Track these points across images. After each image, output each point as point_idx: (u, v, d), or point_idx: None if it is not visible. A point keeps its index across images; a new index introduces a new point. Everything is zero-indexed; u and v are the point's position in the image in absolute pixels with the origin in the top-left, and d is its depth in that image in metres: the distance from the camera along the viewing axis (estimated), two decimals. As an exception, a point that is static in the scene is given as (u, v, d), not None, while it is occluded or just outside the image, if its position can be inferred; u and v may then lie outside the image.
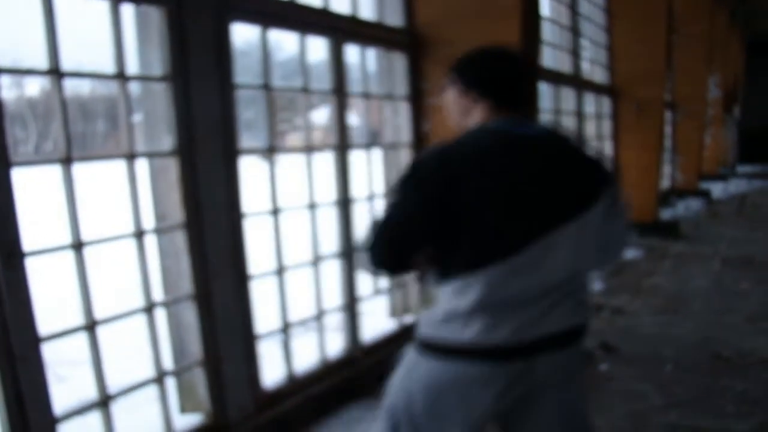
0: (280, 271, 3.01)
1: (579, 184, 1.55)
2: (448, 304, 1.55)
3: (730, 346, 3.93)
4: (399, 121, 3.93)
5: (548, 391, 1.60)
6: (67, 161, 2.12)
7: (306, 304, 3.29)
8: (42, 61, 2.07)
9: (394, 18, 3.85)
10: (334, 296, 3.42)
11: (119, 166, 2.37)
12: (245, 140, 2.85)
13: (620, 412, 3.08)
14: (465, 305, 1.51)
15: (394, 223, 1.53)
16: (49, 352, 2.10)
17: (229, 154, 2.66)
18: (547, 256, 1.49)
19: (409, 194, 1.52)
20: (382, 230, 1.53)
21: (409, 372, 1.66)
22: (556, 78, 6.16)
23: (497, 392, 1.55)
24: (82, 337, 2.21)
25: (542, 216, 1.50)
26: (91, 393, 2.26)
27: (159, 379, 2.48)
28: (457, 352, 1.54)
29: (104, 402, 2.26)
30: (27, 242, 1.97)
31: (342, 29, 3.31)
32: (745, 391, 3.26)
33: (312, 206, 3.21)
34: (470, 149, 1.52)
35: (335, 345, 3.44)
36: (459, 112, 1.67)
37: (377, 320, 4.03)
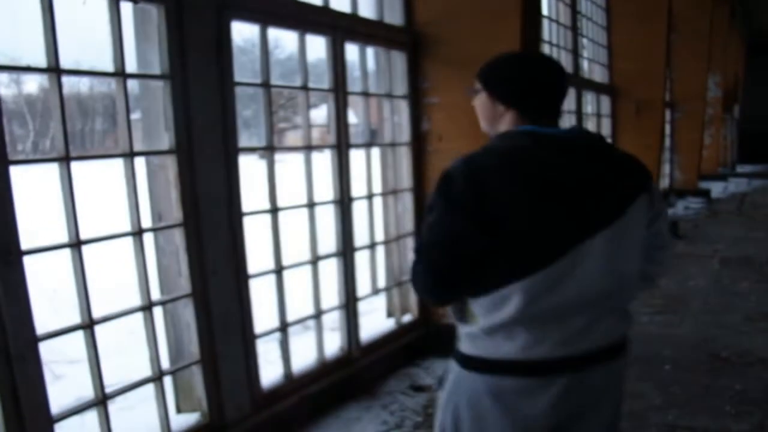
0: (279, 270, 3.00)
1: (615, 186, 1.48)
2: (487, 318, 1.48)
3: (729, 346, 3.93)
4: (398, 119, 3.93)
5: (597, 406, 1.56)
6: (65, 160, 2.11)
7: (304, 304, 3.29)
8: (41, 59, 2.07)
9: (394, 16, 3.84)
10: (332, 295, 3.42)
11: (117, 164, 2.36)
12: (244, 139, 2.85)
13: (619, 412, 3.08)
14: (504, 318, 1.45)
15: (436, 246, 1.42)
16: (46, 350, 2.10)
17: (228, 152, 2.65)
18: (585, 263, 1.43)
19: (447, 213, 1.41)
20: (423, 255, 1.44)
21: (455, 388, 1.59)
22: (556, 77, 6.15)
23: (544, 408, 1.50)
24: (80, 336, 2.21)
25: (578, 221, 1.43)
26: (89, 392, 2.26)
27: (156, 378, 2.47)
28: (500, 367, 1.49)
29: (102, 401, 2.25)
30: (25, 240, 1.97)
31: (342, 27, 3.31)
32: (743, 391, 3.26)
33: (311, 205, 3.20)
34: (497, 157, 1.44)
35: (333, 344, 3.44)
36: (488, 119, 1.60)
37: (375, 320, 4.03)
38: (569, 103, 6.62)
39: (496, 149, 1.47)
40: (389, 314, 4.05)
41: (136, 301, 2.43)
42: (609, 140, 7.85)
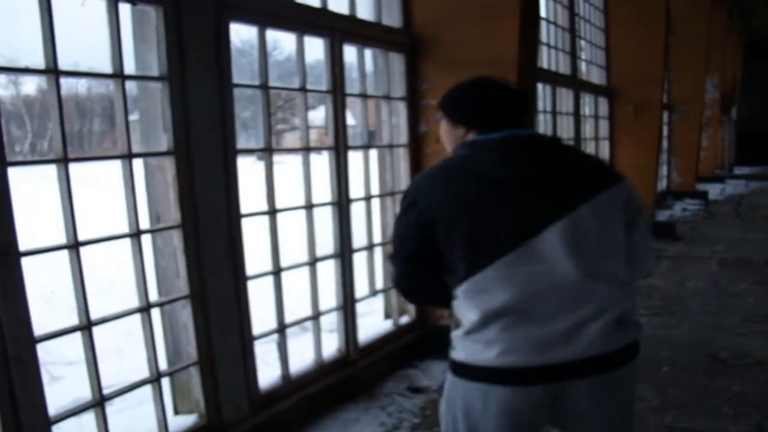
0: (277, 271, 3.00)
1: (566, 182, 1.52)
2: (465, 320, 1.53)
3: (727, 347, 3.93)
4: (396, 121, 3.93)
5: (592, 414, 1.54)
6: (63, 161, 2.11)
7: (302, 305, 3.29)
8: (39, 60, 2.06)
9: (392, 18, 3.84)
10: (330, 297, 3.42)
11: (116, 165, 2.36)
12: (242, 140, 2.85)
13: (616, 414, 3.08)
14: (474, 319, 1.48)
15: (394, 249, 1.63)
16: (44, 352, 2.10)
17: (226, 154, 2.65)
18: (540, 258, 1.45)
19: (397, 221, 1.62)
20: (393, 256, 1.64)
21: (450, 396, 1.61)
22: (554, 79, 6.17)
23: (530, 416, 1.51)
24: (78, 337, 2.21)
25: (522, 216, 1.47)
26: (86, 393, 2.26)
27: (154, 379, 2.47)
28: (483, 374, 1.50)
29: (99, 402, 2.24)
30: (23, 242, 1.97)
31: (340, 29, 3.31)
32: (741, 393, 3.27)
33: (309, 206, 3.20)
34: (437, 168, 1.59)
35: (331, 346, 3.44)
36: (451, 142, 1.70)
37: (373, 321, 4.03)
38: (567, 104, 6.63)
39: (441, 162, 1.61)
40: (387, 316, 4.05)
41: (134, 302, 2.43)
42: (606, 141, 7.89)
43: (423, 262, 1.58)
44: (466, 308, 1.51)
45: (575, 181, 1.53)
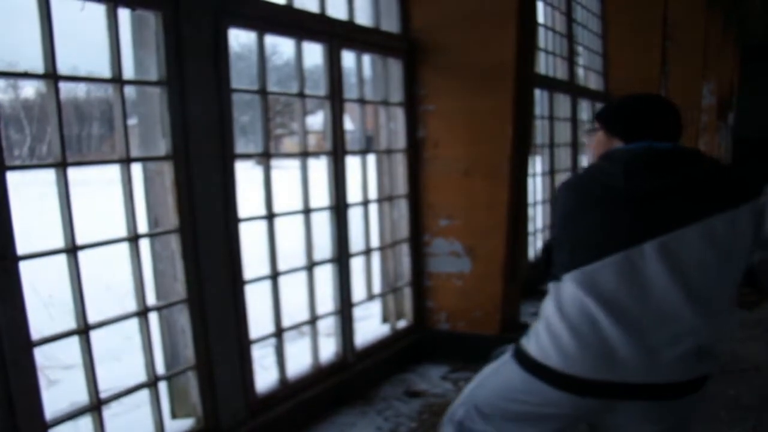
0: (274, 275, 3.01)
1: (686, 198, 1.44)
2: (546, 313, 1.58)
3: (723, 351, 3.93)
4: (394, 126, 3.95)
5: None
6: (62, 165, 2.11)
7: (299, 309, 3.29)
8: (38, 64, 2.07)
9: (391, 24, 3.86)
10: (327, 301, 3.42)
11: (114, 169, 2.37)
12: (241, 145, 2.86)
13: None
14: (548, 314, 1.55)
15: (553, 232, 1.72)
16: (41, 355, 2.10)
17: (225, 158, 2.66)
18: (641, 269, 1.41)
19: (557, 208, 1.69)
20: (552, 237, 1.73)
21: (506, 378, 1.67)
22: (551, 84, 6.19)
23: (574, 417, 1.57)
24: (75, 341, 2.21)
25: (631, 225, 1.45)
26: (83, 397, 2.26)
27: (151, 383, 2.47)
28: (547, 373, 1.53)
29: (96, 406, 2.25)
30: (21, 246, 1.97)
31: (338, 35, 3.32)
32: (737, 397, 3.28)
33: (307, 211, 3.21)
34: (576, 176, 1.69)
35: (328, 350, 3.44)
36: (598, 148, 1.72)
37: (370, 325, 4.04)
38: (565, 110, 6.65)
39: (583, 169, 1.71)
40: (384, 320, 4.05)
41: (132, 306, 2.43)
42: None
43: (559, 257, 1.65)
44: (550, 304, 1.56)
45: (694, 198, 1.44)
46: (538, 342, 1.55)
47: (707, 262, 1.42)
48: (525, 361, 1.58)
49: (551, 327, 1.51)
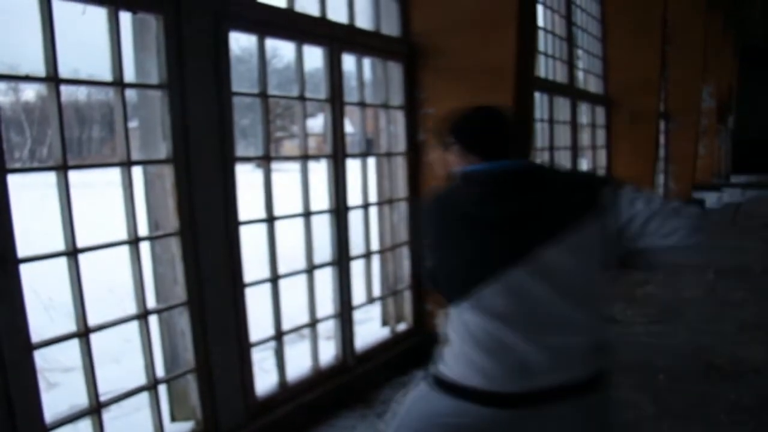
0: (275, 278, 3.01)
1: (547, 213, 1.54)
2: (454, 339, 1.61)
3: (724, 355, 3.94)
4: (394, 129, 3.95)
5: None
6: (62, 168, 2.12)
7: (299, 312, 3.29)
8: (40, 67, 2.08)
9: (391, 27, 3.87)
10: (327, 304, 3.42)
11: (115, 172, 2.37)
12: (241, 148, 2.86)
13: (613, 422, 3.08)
14: (465, 342, 1.57)
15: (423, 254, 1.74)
16: (41, 358, 2.10)
17: (225, 161, 2.67)
18: (520, 288, 1.51)
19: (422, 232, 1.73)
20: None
21: (421, 403, 1.69)
22: (551, 87, 6.20)
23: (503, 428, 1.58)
24: (75, 344, 2.21)
25: (500, 249, 1.53)
26: (83, 400, 2.26)
27: (151, 386, 2.47)
28: (467, 393, 1.57)
29: (96, 409, 2.25)
30: (21, 248, 1.97)
31: (339, 38, 3.33)
32: (737, 400, 3.28)
33: (307, 214, 3.21)
34: (434, 199, 1.67)
35: (328, 353, 3.44)
36: (448, 164, 1.73)
37: (370, 328, 4.04)
38: (564, 113, 6.66)
39: (440, 191, 1.69)
40: (384, 323, 4.05)
41: (132, 309, 2.44)
42: (603, 150, 7.91)
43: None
44: (455, 329, 1.60)
45: (552, 214, 1.54)
46: (456, 366, 1.59)
47: (575, 268, 1.54)
48: (447, 386, 1.60)
49: (464, 351, 1.57)
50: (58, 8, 2.06)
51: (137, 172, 2.43)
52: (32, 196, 7.11)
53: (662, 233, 1.50)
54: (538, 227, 1.52)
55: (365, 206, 3.70)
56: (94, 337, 2.24)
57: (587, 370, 1.56)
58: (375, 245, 3.85)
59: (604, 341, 1.61)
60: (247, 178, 3.10)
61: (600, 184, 1.58)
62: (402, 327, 4.04)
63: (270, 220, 2.97)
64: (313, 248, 3.25)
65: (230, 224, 2.70)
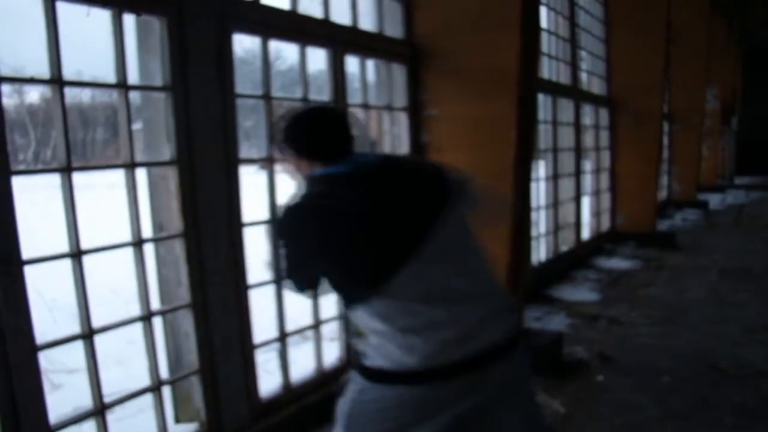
0: (278, 280, 3.00)
1: (419, 200, 1.64)
2: (376, 327, 1.62)
3: (727, 357, 3.93)
4: (398, 131, 3.95)
5: (497, 407, 1.66)
6: (67, 170, 2.12)
7: (303, 314, 3.29)
8: (44, 69, 2.08)
9: (394, 29, 3.87)
10: (331, 306, 3.42)
11: (118, 174, 2.38)
12: (244, 149, 2.86)
13: (616, 424, 3.08)
14: (390, 327, 1.59)
15: (290, 265, 1.68)
16: (45, 360, 2.10)
17: (229, 163, 2.67)
18: (422, 274, 1.57)
19: (292, 242, 1.66)
20: (285, 269, 1.70)
21: (361, 399, 1.70)
22: (555, 89, 6.19)
23: (451, 400, 1.61)
24: (79, 346, 2.21)
25: (396, 242, 1.58)
26: (87, 401, 2.26)
27: (155, 387, 2.47)
28: (404, 377, 1.60)
29: (100, 411, 2.25)
30: (25, 250, 1.98)
31: (342, 40, 3.33)
32: (742, 403, 3.26)
33: (310, 216, 3.21)
34: (320, 199, 1.63)
35: (332, 354, 3.44)
36: (293, 170, 1.77)
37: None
38: (568, 115, 6.65)
39: (305, 199, 1.65)
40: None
41: (136, 310, 2.44)
42: (607, 152, 7.90)
43: (314, 284, 1.72)
44: (369, 324, 1.62)
45: (427, 197, 1.66)
46: (388, 357, 1.60)
47: (461, 242, 1.69)
48: (384, 377, 1.62)
49: (386, 340, 1.60)
50: (62, 10, 2.06)
51: (141, 174, 2.44)
52: (36, 197, 7.13)
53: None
54: (421, 214, 1.62)
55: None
56: (98, 339, 2.24)
57: (504, 330, 1.66)
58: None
59: (509, 301, 1.76)
60: (250, 180, 3.09)
61: (445, 170, 1.75)
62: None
63: (274, 221, 2.97)
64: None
65: (234, 226, 2.71)
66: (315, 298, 1.74)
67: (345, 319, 1.77)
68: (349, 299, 1.67)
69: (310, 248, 1.62)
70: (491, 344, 1.62)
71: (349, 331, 1.76)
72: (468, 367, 1.59)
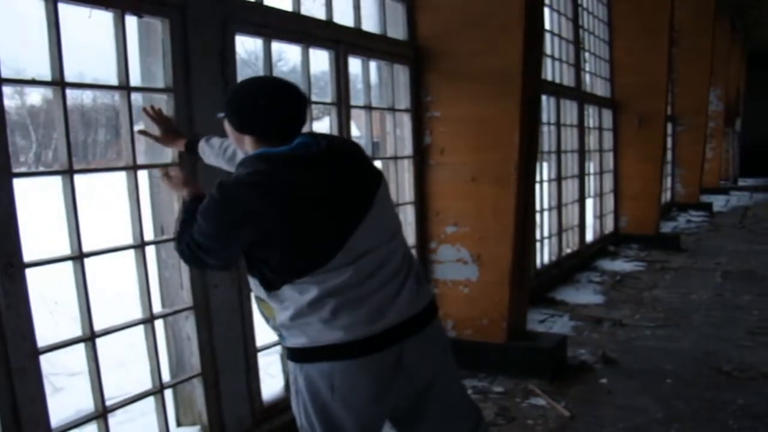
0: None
1: (361, 182, 1.72)
2: (293, 303, 1.64)
3: (731, 360, 3.91)
4: (401, 133, 3.94)
5: (418, 369, 1.73)
6: (68, 173, 2.11)
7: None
8: (45, 71, 2.08)
9: (397, 31, 3.86)
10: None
11: (120, 176, 2.37)
12: (247, 151, 2.84)
13: (620, 426, 3.06)
14: (309, 299, 1.62)
15: (205, 239, 1.66)
16: (46, 363, 2.09)
17: (231, 165, 2.66)
18: (357, 249, 1.64)
19: (217, 217, 1.63)
20: (194, 239, 1.68)
21: (296, 386, 1.74)
22: (558, 90, 6.18)
23: (379, 379, 1.67)
24: (81, 348, 2.20)
25: (339, 219, 1.64)
26: (89, 404, 2.25)
27: (157, 391, 2.46)
28: (327, 352, 1.64)
29: (102, 414, 2.24)
30: (27, 253, 1.97)
31: (345, 41, 3.33)
32: (746, 406, 3.24)
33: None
34: (267, 177, 1.60)
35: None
36: (235, 141, 1.80)
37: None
38: (571, 116, 6.64)
39: (251, 175, 1.61)
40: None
41: (138, 313, 2.43)
42: (610, 153, 7.88)
43: (228, 260, 1.75)
44: (297, 303, 1.63)
45: (365, 179, 1.74)
46: (318, 335, 1.64)
47: (390, 220, 1.79)
48: (319, 354, 1.65)
49: (315, 318, 1.63)
50: (64, 12, 2.06)
51: (143, 176, 2.43)
52: (38, 200, 7.13)
53: None
54: (363, 194, 1.70)
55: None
56: (100, 342, 2.23)
57: (425, 298, 1.77)
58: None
59: (424, 272, 1.84)
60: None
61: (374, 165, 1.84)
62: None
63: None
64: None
65: (236, 228, 2.69)
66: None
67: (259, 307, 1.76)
68: (281, 278, 1.64)
69: (243, 220, 1.59)
70: (412, 314, 1.70)
71: (266, 318, 1.79)
72: (390, 338, 1.65)
